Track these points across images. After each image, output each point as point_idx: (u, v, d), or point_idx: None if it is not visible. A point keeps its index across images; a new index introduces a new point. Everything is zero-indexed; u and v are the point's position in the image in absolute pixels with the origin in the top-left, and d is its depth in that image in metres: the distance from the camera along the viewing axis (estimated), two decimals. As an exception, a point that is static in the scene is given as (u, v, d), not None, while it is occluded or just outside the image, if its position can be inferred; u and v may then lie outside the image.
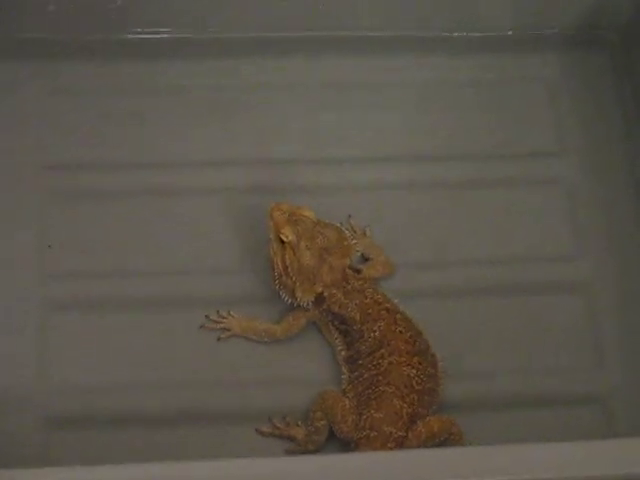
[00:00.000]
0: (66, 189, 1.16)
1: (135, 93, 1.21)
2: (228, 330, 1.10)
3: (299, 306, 1.08)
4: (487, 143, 1.21)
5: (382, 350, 1.05)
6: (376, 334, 1.05)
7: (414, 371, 1.04)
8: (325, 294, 1.07)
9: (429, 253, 1.16)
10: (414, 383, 1.03)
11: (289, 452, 1.06)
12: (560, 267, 1.16)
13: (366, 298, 1.07)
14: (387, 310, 1.07)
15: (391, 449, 1.01)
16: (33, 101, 1.19)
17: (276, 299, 1.10)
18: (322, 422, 1.04)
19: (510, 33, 1.26)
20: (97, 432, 1.05)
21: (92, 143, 1.18)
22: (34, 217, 1.14)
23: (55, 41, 1.22)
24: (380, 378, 1.04)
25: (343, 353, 1.08)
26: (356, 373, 1.06)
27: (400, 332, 1.05)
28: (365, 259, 1.13)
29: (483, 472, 0.87)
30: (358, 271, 1.11)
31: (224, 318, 1.10)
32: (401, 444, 1.02)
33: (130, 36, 1.23)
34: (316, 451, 1.05)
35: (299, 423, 1.06)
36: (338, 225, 1.10)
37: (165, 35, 1.23)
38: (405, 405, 1.02)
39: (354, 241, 1.11)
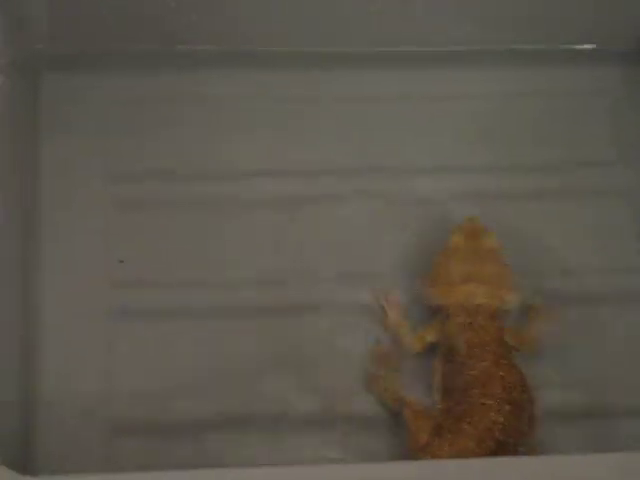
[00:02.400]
0: (132, 199, 1.17)
1: (192, 102, 1.22)
2: (385, 314, 1.10)
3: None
4: (551, 154, 1.21)
5: (476, 390, 1.02)
6: (475, 372, 1.03)
7: (501, 419, 1.01)
8: (450, 310, 1.06)
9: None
10: (496, 431, 1.00)
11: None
12: (628, 278, 1.15)
13: (478, 335, 1.05)
14: (494, 353, 1.04)
15: None
16: (95, 112, 1.21)
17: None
18: None
19: (573, 46, 1.26)
20: (161, 439, 1.06)
21: (156, 152, 1.19)
22: (101, 227, 1.15)
23: (111, 53, 1.23)
24: (466, 416, 1.01)
25: (439, 380, 1.06)
26: (446, 404, 1.04)
27: (501, 376, 1.03)
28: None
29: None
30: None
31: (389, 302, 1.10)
32: None
33: (179, 47, 1.23)
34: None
35: None
36: (508, 267, 1.08)
37: (209, 47, 1.24)
38: (478, 450, 1.00)
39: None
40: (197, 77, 1.23)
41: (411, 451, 1.02)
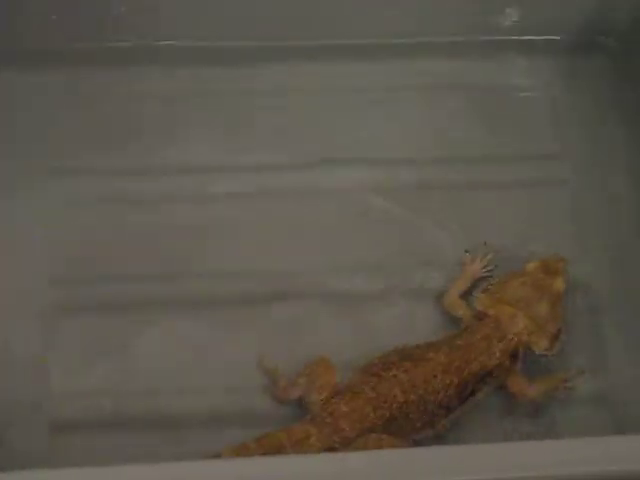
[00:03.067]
0: (70, 196, 1.17)
1: (138, 99, 1.22)
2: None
3: None
4: (488, 146, 1.22)
5: (402, 364, 1.04)
6: (420, 353, 1.05)
7: (401, 399, 1.02)
8: (485, 319, 1.08)
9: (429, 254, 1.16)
10: (395, 405, 1.02)
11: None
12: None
13: (478, 348, 1.06)
14: (456, 365, 1.05)
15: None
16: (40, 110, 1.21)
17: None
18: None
19: (512, 38, 1.27)
20: (101, 435, 1.06)
21: (96, 149, 1.19)
22: (41, 222, 1.15)
23: (61, 50, 1.23)
24: (372, 382, 1.03)
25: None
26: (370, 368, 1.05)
27: (434, 376, 1.04)
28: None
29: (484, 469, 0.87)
30: None
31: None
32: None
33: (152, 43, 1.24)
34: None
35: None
36: (560, 318, 1.08)
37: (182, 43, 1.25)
38: (372, 415, 1.02)
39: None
40: (141, 73, 1.24)
41: (311, 404, 1.04)
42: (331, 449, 1.01)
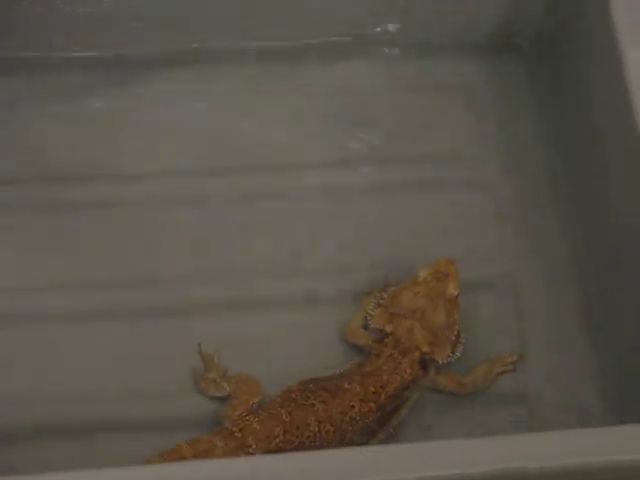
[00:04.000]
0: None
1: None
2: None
3: None
4: (409, 147, 1.23)
5: (320, 393, 1.04)
6: (336, 384, 1.05)
7: (314, 430, 1.03)
8: (384, 338, 1.08)
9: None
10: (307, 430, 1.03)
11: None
12: (485, 267, 1.18)
13: (384, 368, 1.07)
14: (370, 391, 1.05)
15: None
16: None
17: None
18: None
19: (432, 40, 1.28)
20: (29, 443, 1.05)
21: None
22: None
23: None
24: (289, 404, 1.04)
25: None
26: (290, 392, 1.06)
27: (344, 409, 1.04)
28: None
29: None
30: None
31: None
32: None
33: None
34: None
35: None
36: (456, 323, 1.09)
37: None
38: (281, 438, 1.02)
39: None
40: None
41: (225, 418, 1.05)
42: None
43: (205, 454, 1.00)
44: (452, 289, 1.08)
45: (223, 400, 1.07)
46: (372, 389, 1.05)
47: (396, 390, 1.06)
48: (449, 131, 1.25)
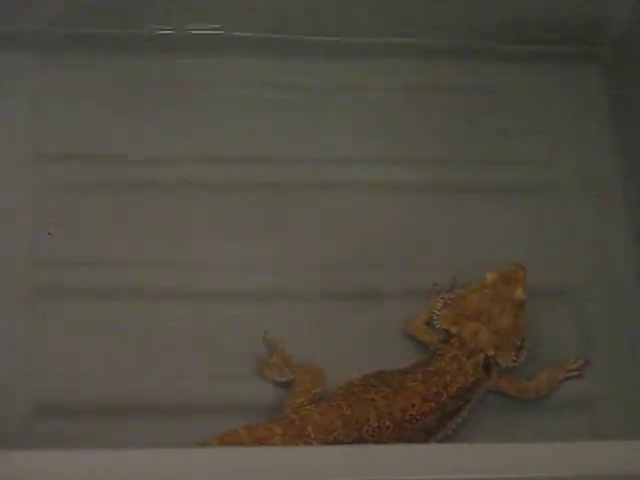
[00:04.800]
0: (61, 180, 1.17)
1: (131, 87, 1.22)
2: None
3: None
4: (479, 149, 1.23)
5: (381, 388, 1.04)
6: (399, 380, 1.05)
7: (374, 423, 1.02)
8: (450, 338, 1.08)
9: (413, 255, 1.17)
10: (365, 426, 1.02)
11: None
12: (550, 273, 1.17)
13: (449, 370, 1.06)
14: (433, 393, 1.05)
15: None
16: (32, 94, 1.20)
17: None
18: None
19: (508, 45, 1.28)
20: (83, 420, 1.05)
21: (86, 135, 1.19)
22: (29, 206, 1.15)
23: (55, 35, 1.22)
24: (350, 398, 1.04)
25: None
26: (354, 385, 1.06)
27: (410, 405, 1.03)
28: None
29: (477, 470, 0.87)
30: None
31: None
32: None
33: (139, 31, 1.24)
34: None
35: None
36: (524, 327, 1.09)
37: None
38: (342, 431, 1.02)
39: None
40: (133, 61, 1.23)
41: (286, 406, 1.04)
42: None
43: (263, 441, 1.00)
44: (520, 294, 1.07)
45: (284, 388, 1.07)
46: (435, 389, 1.04)
47: (458, 391, 1.05)
48: (521, 134, 1.24)
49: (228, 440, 1.00)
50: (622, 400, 1.11)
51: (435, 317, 1.09)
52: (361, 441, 1.01)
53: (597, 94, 1.27)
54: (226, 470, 0.84)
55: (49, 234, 1.14)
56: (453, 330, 1.07)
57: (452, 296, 1.10)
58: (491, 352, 1.06)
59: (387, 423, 1.02)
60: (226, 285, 1.13)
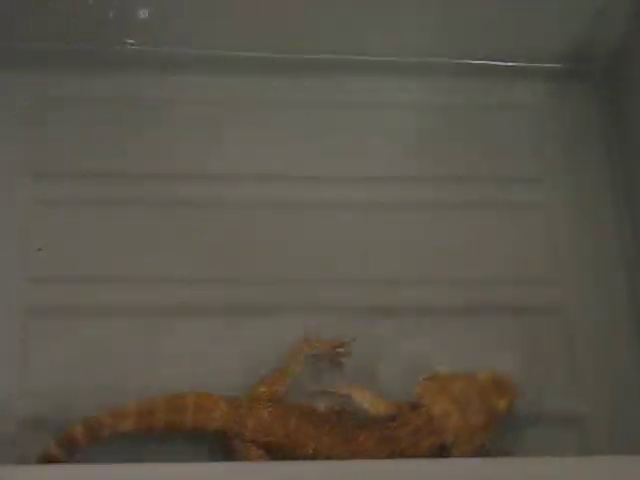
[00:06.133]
0: (50, 197, 1.17)
1: (122, 104, 1.23)
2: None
3: None
4: (471, 166, 1.23)
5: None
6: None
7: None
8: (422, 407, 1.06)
9: (411, 270, 1.17)
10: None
11: None
12: (537, 290, 1.18)
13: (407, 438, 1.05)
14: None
15: None
16: (21, 110, 1.21)
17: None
18: None
19: (498, 62, 1.29)
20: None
21: (79, 152, 1.20)
22: (19, 223, 1.15)
23: (46, 51, 1.23)
24: None
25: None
26: None
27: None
28: None
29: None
30: None
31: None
32: None
33: (124, 48, 1.25)
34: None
35: None
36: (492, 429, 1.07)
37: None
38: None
39: None
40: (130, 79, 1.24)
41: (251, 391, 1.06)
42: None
43: (205, 409, 1.02)
44: (503, 406, 1.06)
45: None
46: (385, 452, 1.03)
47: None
48: (512, 151, 1.25)
49: (175, 400, 1.02)
50: (608, 417, 1.11)
51: (417, 383, 1.07)
52: (287, 458, 1.02)
53: (587, 111, 1.28)
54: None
55: (39, 249, 1.14)
56: (426, 402, 1.05)
57: (442, 370, 1.08)
58: (449, 439, 1.04)
59: (321, 460, 1.02)
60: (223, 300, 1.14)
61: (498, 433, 1.06)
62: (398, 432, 1.04)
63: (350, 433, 1.03)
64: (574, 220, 1.21)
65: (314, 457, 1.02)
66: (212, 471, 0.90)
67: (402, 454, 1.03)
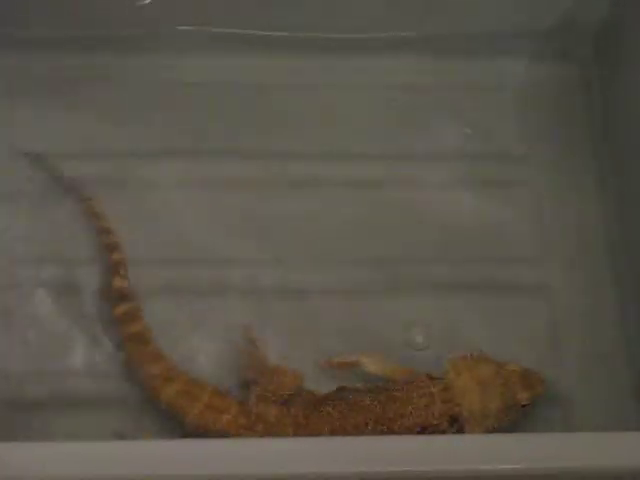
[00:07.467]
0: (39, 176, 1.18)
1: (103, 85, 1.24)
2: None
3: None
4: (454, 146, 1.24)
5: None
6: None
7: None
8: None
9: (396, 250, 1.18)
10: None
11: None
12: (524, 269, 1.18)
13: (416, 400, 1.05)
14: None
15: None
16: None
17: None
18: None
19: (482, 39, 1.29)
20: (24, 414, 1.06)
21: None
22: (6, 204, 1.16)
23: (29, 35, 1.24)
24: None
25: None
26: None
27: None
28: None
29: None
30: None
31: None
32: None
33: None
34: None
35: None
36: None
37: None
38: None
39: None
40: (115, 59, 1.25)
41: (255, 396, 1.05)
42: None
43: (216, 410, 1.02)
44: (524, 398, 1.06)
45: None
46: (390, 414, 1.03)
47: (413, 426, 1.03)
48: (496, 131, 1.25)
49: (192, 388, 1.03)
50: (593, 398, 1.12)
51: (447, 361, 1.07)
52: None
53: (572, 92, 1.28)
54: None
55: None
56: (450, 377, 1.05)
57: (475, 352, 1.08)
58: (463, 414, 1.04)
59: None
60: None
61: (514, 426, 1.06)
62: (408, 393, 1.04)
63: (354, 401, 1.03)
64: (558, 201, 1.22)
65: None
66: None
67: (409, 417, 1.02)
